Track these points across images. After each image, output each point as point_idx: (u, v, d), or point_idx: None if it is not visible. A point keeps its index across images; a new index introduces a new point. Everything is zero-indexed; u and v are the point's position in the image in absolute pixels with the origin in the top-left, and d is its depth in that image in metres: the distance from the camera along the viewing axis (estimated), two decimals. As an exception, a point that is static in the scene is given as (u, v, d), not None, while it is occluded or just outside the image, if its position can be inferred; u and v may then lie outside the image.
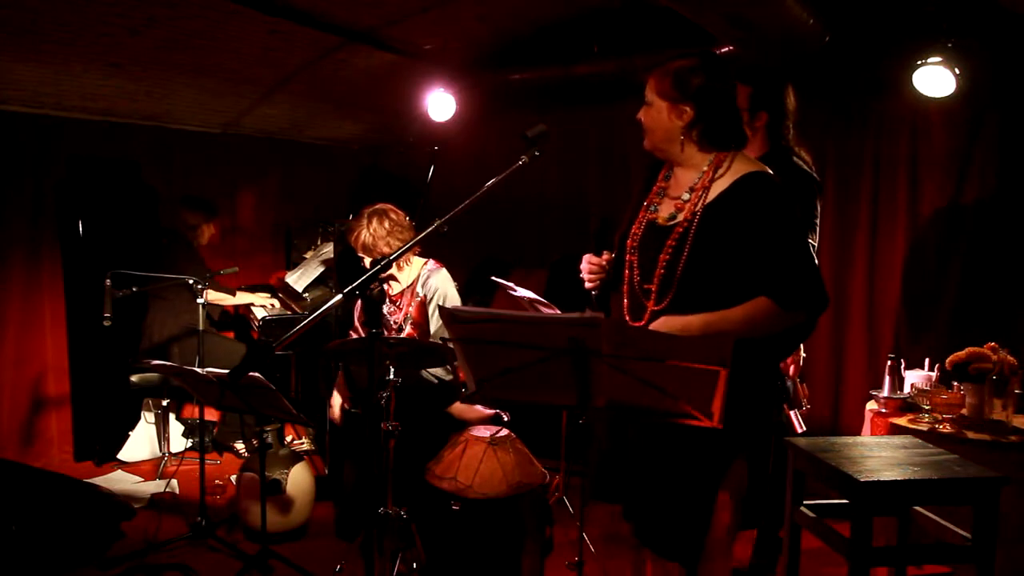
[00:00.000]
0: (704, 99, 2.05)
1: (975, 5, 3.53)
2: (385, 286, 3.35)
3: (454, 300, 3.31)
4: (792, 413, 2.90)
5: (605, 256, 2.24)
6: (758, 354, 2.01)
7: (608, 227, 2.26)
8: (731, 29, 3.60)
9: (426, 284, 3.30)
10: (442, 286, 3.29)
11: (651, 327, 2.00)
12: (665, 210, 2.12)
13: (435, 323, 3.28)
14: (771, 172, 2.07)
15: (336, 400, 3.46)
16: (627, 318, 2.15)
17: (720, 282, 2.00)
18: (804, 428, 2.90)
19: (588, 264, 2.24)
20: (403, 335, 3.28)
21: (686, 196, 2.08)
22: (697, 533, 2.02)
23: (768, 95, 2.78)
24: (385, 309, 3.39)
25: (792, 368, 2.93)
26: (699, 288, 2.01)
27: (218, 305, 4.68)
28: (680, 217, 2.06)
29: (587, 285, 2.24)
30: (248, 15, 3.67)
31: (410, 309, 3.30)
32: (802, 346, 2.97)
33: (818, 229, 2.78)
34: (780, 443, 2.70)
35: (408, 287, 3.33)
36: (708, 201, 2.03)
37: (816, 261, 2.20)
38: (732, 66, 2.19)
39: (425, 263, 3.36)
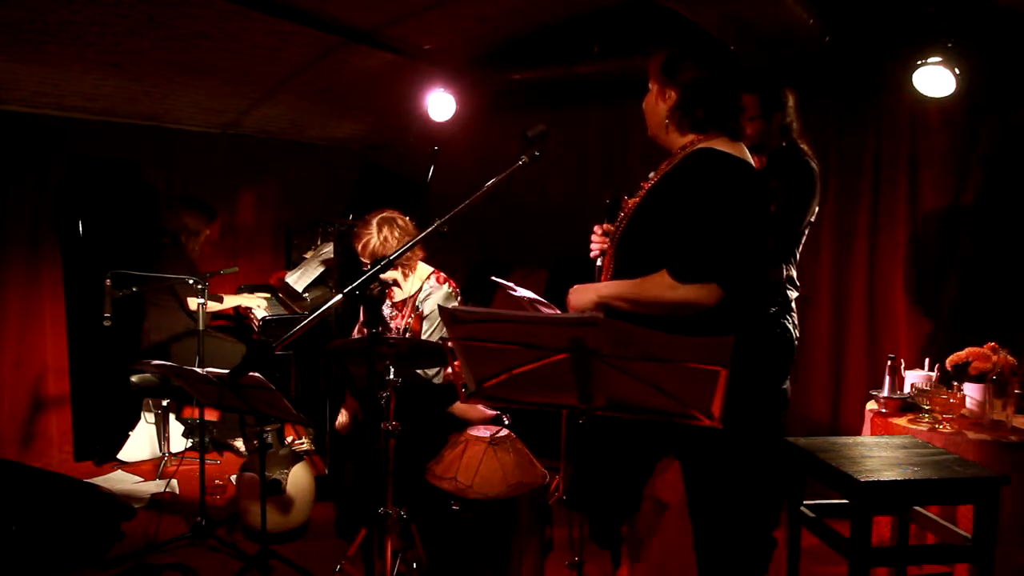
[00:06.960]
0: (688, 85, 2.06)
1: (975, 5, 3.53)
2: (388, 293, 3.35)
3: None
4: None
5: (607, 227, 2.29)
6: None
7: (620, 200, 2.29)
8: (731, 29, 3.60)
9: (427, 301, 3.30)
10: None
11: (567, 298, 2.08)
12: (639, 191, 2.18)
13: (428, 336, 3.28)
14: (726, 151, 2.00)
15: (343, 417, 3.49)
16: None
17: (646, 254, 2.01)
18: None
19: (595, 235, 2.29)
20: None
21: (651, 175, 2.13)
22: (616, 523, 2.06)
23: (775, 97, 2.89)
24: (387, 312, 3.39)
25: None
26: (629, 259, 2.06)
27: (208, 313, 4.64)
28: (641, 194, 2.11)
29: (592, 253, 2.28)
30: (248, 15, 3.66)
31: (409, 320, 3.30)
32: None
33: (805, 218, 2.83)
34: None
35: (410, 297, 3.33)
36: (659, 177, 2.08)
37: (739, 241, 1.93)
38: (730, 62, 2.19)
39: (428, 277, 3.36)
